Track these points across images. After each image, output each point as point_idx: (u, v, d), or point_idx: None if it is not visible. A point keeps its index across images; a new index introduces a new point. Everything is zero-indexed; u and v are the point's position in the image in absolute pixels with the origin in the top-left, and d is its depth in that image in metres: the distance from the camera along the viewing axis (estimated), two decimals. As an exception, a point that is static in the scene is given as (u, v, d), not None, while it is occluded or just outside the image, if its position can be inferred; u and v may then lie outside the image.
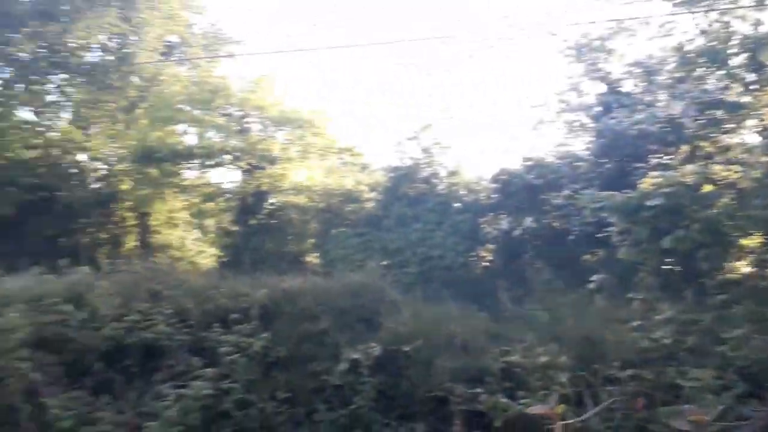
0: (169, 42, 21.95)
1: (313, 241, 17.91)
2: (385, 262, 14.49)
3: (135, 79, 20.74)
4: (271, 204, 18.84)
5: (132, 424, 5.31)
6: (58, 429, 5.07)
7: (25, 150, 21.01)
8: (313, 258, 18.12)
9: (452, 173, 15.71)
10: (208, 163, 18.89)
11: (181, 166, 19.05)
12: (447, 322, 7.11)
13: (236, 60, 21.84)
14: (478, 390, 6.02)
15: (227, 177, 20.30)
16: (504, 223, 14.24)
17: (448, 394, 6.13)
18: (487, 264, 14.70)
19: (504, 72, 27.27)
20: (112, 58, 20.32)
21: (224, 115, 18.55)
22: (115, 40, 20.71)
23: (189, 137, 19.43)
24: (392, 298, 7.65)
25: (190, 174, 20.04)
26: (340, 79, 29.34)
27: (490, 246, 14.77)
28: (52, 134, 21.61)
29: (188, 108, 18.40)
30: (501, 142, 30.90)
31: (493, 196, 14.72)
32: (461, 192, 15.41)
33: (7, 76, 20.68)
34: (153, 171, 18.83)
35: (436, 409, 6.24)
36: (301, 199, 18.44)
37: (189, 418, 5.35)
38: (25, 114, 21.71)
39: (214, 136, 18.37)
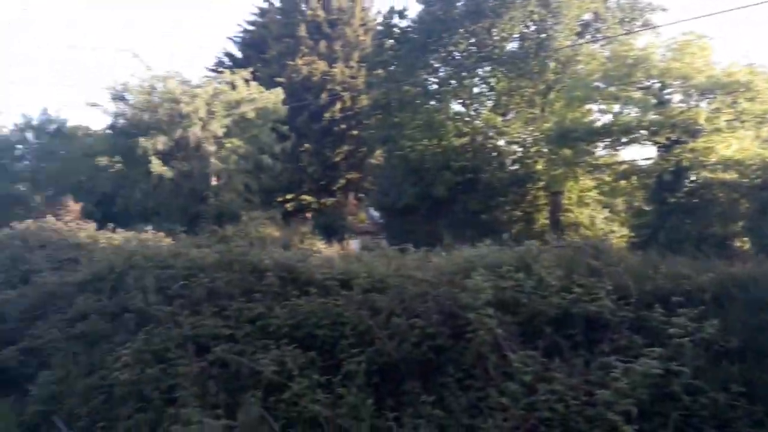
0: (584, 21, 22.14)
1: (743, 223, 15.78)
2: None
3: (551, 63, 21.65)
4: (693, 181, 17.29)
5: (582, 389, 5.64)
6: (520, 380, 5.74)
7: (456, 138, 24.32)
8: (742, 242, 16.02)
9: None
10: (622, 140, 18.47)
11: (594, 144, 19.13)
12: None
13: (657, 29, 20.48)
14: None
15: (642, 154, 19.50)
16: None
17: None
18: None
19: None
20: (531, 45, 21.66)
21: (641, 88, 17.76)
22: (533, 27, 22.01)
23: (603, 115, 19.34)
24: None
25: (602, 152, 19.97)
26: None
27: None
28: (476, 122, 24.41)
29: (603, 85, 18.25)
30: None
31: None
32: None
33: (443, 74, 24.23)
34: (566, 151, 19.38)
35: None
36: (730, 175, 16.38)
37: (638, 393, 5.40)
38: (455, 106, 25.12)
39: (630, 112, 17.81)
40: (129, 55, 42.03)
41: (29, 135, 35.71)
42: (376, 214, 33.12)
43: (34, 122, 35.46)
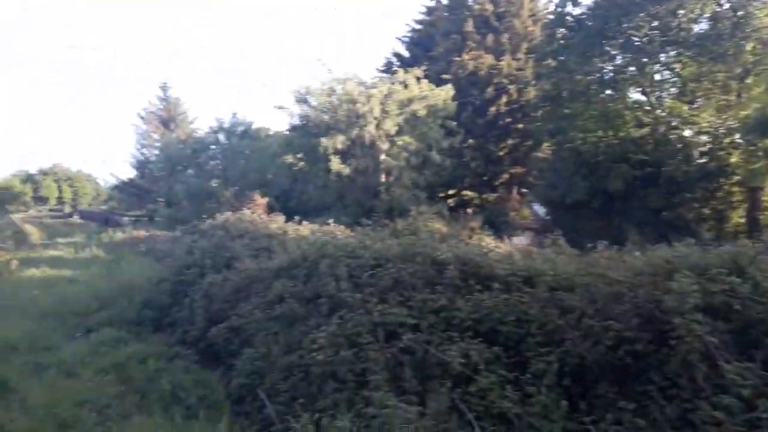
0: (792, -7, 19.46)
1: None
2: None
3: (749, 44, 19.30)
4: None
5: (814, 409, 4.97)
6: (736, 394, 5.20)
7: (635, 128, 22.69)
8: None
9: None
10: None
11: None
12: None
13: None
14: None
15: None
16: None
17: None
18: None
19: None
20: (725, 25, 19.48)
21: None
22: (727, 5, 19.81)
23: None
24: None
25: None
26: None
27: None
28: (659, 112, 22.56)
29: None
30: None
31: None
32: None
33: (620, 62, 22.72)
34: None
35: None
36: None
37: None
38: (634, 95, 23.43)
39: None
40: (314, 61, 44.86)
41: (221, 137, 39.83)
42: (540, 209, 32.10)
43: (225, 125, 39.49)
